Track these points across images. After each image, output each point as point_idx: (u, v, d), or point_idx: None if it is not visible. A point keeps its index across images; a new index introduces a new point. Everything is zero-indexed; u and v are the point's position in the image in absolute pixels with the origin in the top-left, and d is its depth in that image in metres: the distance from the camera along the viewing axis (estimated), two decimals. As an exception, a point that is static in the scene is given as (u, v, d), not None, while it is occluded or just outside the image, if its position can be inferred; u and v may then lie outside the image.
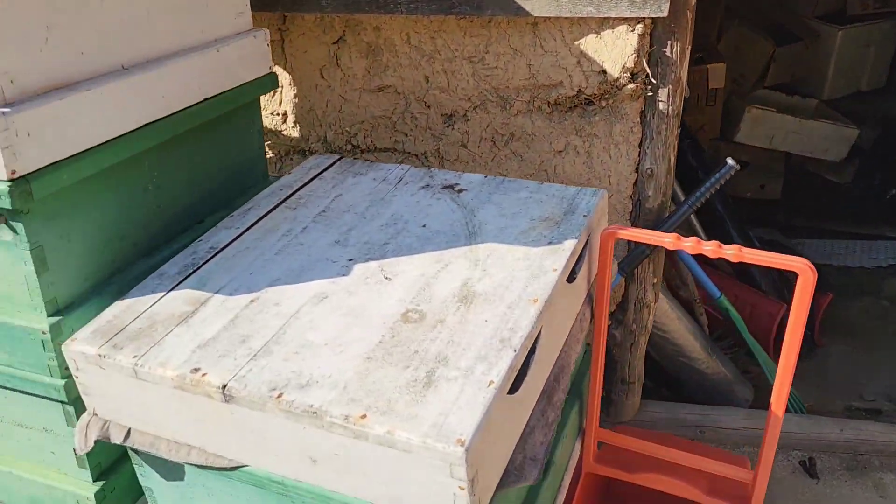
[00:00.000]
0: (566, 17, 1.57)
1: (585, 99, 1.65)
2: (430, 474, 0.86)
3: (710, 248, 1.12)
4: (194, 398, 0.97)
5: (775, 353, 2.28)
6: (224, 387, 0.94)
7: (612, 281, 1.44)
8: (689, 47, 1.58)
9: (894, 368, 2.36)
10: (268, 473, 0.99)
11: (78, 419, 1.16)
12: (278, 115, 1.89)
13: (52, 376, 1.11)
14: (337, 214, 1.31)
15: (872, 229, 3.22)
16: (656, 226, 1.70)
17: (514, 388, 0.96)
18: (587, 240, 1.24)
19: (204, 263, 1.19)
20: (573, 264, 1.17)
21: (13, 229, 1.04)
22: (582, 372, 1.41)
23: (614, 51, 1.58)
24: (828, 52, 3.43)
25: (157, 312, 1.08)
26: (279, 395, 0.92)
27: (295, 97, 1.85)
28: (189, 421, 1.00)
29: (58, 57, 1.05)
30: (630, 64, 1.57)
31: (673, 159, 1.68)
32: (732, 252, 1.10)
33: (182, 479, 1.12)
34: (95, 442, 1.07)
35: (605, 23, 1.56)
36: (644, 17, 1.53)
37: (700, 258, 2.09)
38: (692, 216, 2.29)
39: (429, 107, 1.77)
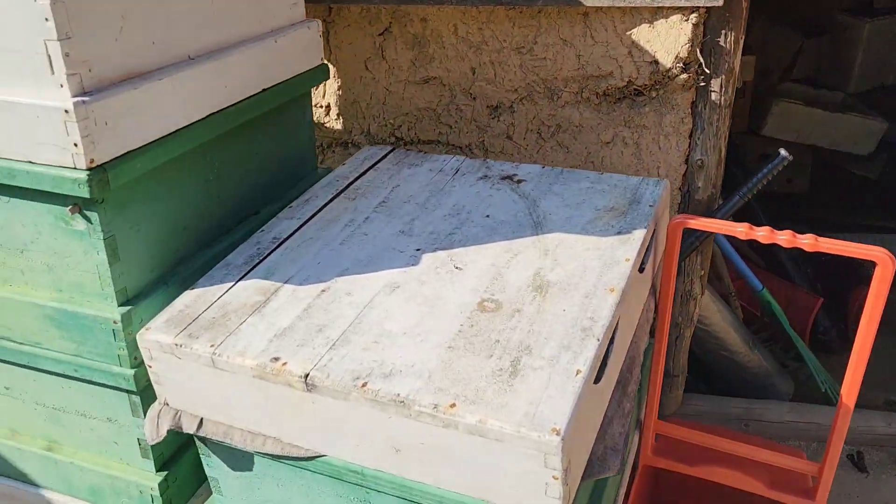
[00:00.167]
0: (618, 7, 1.56)
1: (635, 90, 1.64)
2: (522, 464, 0.85)
3: (785, 238, 1.11)
4: (273, 387, 0.97)
5: (811, 347, 2.27)
6: (306, 376, 0.93)
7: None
8: (743, 37, 1.56)
9: (933, 362, 2.35)
10: (346, 463, 0.99)
11: (143, 409, 1.16)
12: (321, 107, 1.88)
13: (121, 366, 1.11)
14: (397, 205, 1.30)
15: (902, 223, 3.20)
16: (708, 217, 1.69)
17: (597, 379, 0.95)
18: (654, 230, 1.23)
19: (269, 254, 1.18)
20: (643, 254, 1.16)
21: (87, 219, 1.04)
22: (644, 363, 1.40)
23: (667, 40, 1.56)
24: (855, 44, 3.40)
25: (228, 302, 1.08)
26: (363, 385, 0.91)
27: (338, 89, 1.84)
28: (265, 410, 1.00)
29: (132, 46, 1.05)
30: (683, 54, 1.56)
31: (724, 150, 1.66)
32: (808, 241, 1.09)
33: (250, 469, 1.11)
34: (168, 431, 1.07)
35: (658, 12, 1.54)
36: (699, 7, 1.52)
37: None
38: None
39: (474, 98, 1.76)
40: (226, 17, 1.23)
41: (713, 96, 1.59)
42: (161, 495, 1.20)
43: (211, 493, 1.24)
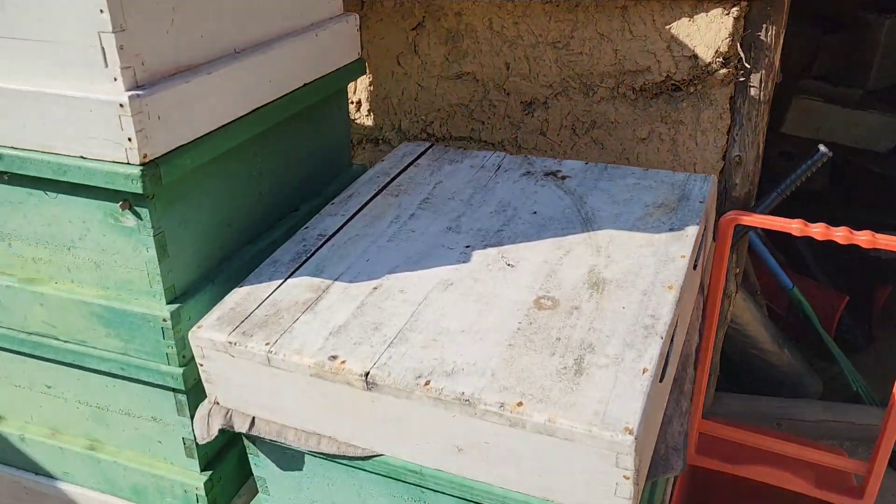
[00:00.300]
0: (658, 1, 1.54)
1: (673, 85, 1.62)
2: (592, 463, 0.83)
3: (842, 234, 1.09)
4: (330, 386, 0.95)
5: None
6: (366, 374, 0.92)
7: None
8: (784, 31, 1.55)
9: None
10: (404, 462, 0.97)
11: (189, 408, 1.14)
12: (352, 103, 1.87)
13: (169, 364, 1.09)
14: (442, 201, 1.29)
15: (922, 221, 3.18)
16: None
17: (662, 377, 0.93)
18: (704, 226, 1.21)
19: (316, 250, 1.17)
20: (697, 251, 1.14)
21: (137, 215, 1.02)
22: (685, 362, 1.39)
23: (707, 34, 1.54)
24: (874, 41, 3.38)
25: (279, 299, 1.06)
26: (426, 383, 0.89)
27: (370, 85, 1.83)
28: (321, 409, 0.98)
29: (182, 40, 1.03)
30: (723, 48, 1.54)
31: (762, 146, 1.65)
32: (865, 238, 1.08)
33: (300, 468, 1.10)
34: (220, 431, 1.05)
35: (699, 6, 1.53)
36: (740, 0, 1.50)
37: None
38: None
39: (508, 94, 1.75)
40: (270, 9, 1.21)
41: (752, 91, 1.58)
42: (206, 495, 1.19)
43: (254, 492, 1.23)
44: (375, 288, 1.07)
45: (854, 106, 3.24)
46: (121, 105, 0.93)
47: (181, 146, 1.03)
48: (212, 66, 1.08)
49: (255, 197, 1.26)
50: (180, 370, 1.09)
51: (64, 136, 0.99)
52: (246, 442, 1.12)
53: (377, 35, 1.77)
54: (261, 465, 1.13)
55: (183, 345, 1.08)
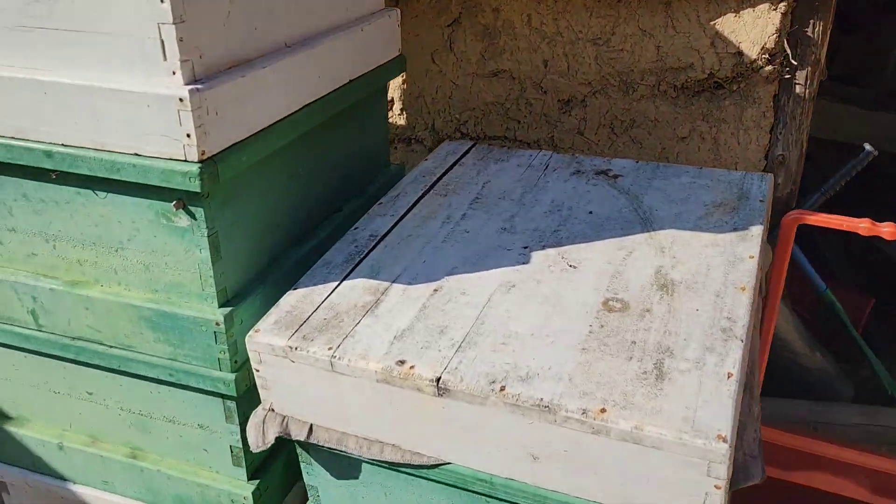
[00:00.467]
0: (703, -3, 1.51)
1: (715, 82, 1.59)
2: (681, 472, 0.80)
3: (914, 234, 1.06)
4: (398, 392, 0.91)
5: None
6: (437, 380, 0.88)
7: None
8: (831, 27, 1.52)
9: None
10: (473, 471, 0.94)
11: (238, 415, 1.10)
12: (383, 101, 1.83)
13: (221, 370, 1.05)
14: (493, 201, 1.25)
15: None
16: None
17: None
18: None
19: (369, 251, 1.13)
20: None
21: (192, 215, 0.98)
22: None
23: (753, 30, 1.51)
24: (890, 41, 3.36)
25: (336, 303, 1.03)
26: (502, 389, 0.86)
27: (403, 83, 1.79)
28: (385, 416, 0.95)
29: (237, 33, 0.99)
30: (770, 44, 1.51)
31: (805, 145, 1.62)
32: (939, 237, 1.05)
33: (356, 477, 1.06)
34: (276, 439, 1.01)
35: (745, 1, 1.50)
36: (788, -4, 1.47)
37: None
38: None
39: (545, 92, 1.71)
40: (318, 2, 1.18)
41: (797, 89, 1.55)
42: (254, 504, 1.15)
43: (300, 500, 1.19)
44: (436, 290, 1.04)
45: (870, 106, 3.22)
46: (180, 99, 0.89)
47: (237, 143, 0.99)
48: (265, 60, 1.04)
49: (301, 197, 1.23)
50: (232, 376, 1.05)
51: (117, 133, 0.95)
52: (299, 450, 1.08)
53: (411, 32, 1.73)
54: (314, 473, 1.10)
55: (235, 350, 1.04)
